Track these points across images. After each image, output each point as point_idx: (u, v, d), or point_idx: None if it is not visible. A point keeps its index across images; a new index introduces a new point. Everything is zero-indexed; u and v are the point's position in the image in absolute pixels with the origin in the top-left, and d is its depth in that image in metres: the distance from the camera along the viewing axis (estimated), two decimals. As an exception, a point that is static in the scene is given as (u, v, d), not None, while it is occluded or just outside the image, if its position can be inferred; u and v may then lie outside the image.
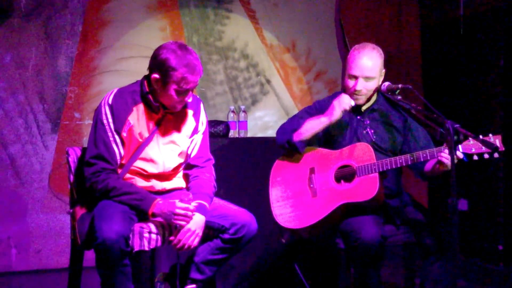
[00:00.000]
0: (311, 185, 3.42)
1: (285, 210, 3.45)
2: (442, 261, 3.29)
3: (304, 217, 3.37)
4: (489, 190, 4.98)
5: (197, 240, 3.06)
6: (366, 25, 5.58)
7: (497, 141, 3.10)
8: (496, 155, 3.08)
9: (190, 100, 3.17)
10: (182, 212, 3.00)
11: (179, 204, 3.01)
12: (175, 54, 3.04)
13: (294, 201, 3.45)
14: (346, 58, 3.48)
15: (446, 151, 3.11)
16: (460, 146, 3.14)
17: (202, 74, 3.13)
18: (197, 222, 3.06)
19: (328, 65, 5.60)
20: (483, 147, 3.08)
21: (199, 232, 3.06)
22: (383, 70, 3.47)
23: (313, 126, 3.42)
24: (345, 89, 3.49)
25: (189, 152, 3.33)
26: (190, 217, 3.02)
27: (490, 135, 3.12)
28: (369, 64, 3.37)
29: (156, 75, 3.09)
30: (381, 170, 3.28)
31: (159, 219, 3.09)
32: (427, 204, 5.50)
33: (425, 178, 3.51)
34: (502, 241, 4.87)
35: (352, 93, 3.43)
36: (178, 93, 3.09)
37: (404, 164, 3.27)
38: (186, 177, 3.36)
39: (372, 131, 3.49)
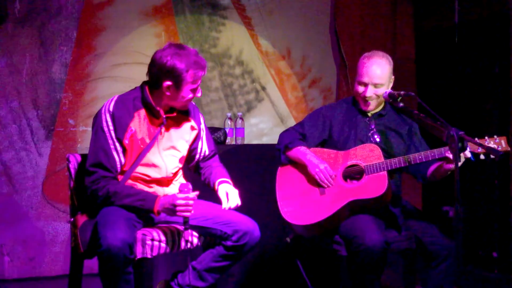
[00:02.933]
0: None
1: (293, 208, 3.47)
2: (443, 266, 3.31)
3: (312, 214, 3.40)
4: (484, 197, 5.00)
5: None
6: (361, 33, 5.59)
7: (502, 141, 3.22)
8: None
9: (200, 94, 3.22)
10: (182, 202, 2.98)
11: (178, 195, 2.99)
12: (179, 57, 3.07)
13: (302, 198, 3.48)
14: (357, 65, 3.57)
15: None
16: (468, 146, 3.20)
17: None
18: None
19: (323, 73, 5.61)
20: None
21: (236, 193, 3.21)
22: (392, 77, 3.57)
23: (299, 157, 3.53)
24: (354, 94, 3.61)
25: (200, 156, 3.43)
26: (191, 206, 3.00)
27: (495, 136, 3.24)
28: (378, 72, 3.47)
29: (168, 83, 3.09)
30: (389, 168, 3.35)
31: (163, 215, 3.08)
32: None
33: (426, 181, 3.56)
34: (497, 248, 4.89)
35: (362, 99, 3.53)
36: (193, 91, 3.14)
37: (412, 163, 3.34)
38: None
39: (377, 135, 3.54)
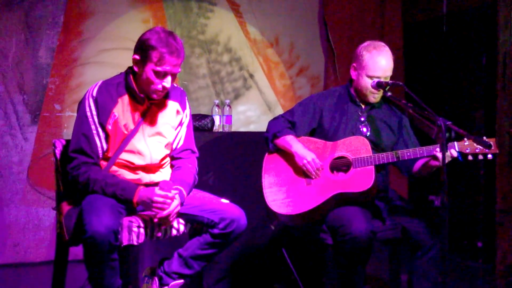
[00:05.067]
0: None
1: (278, 196, 3.47)
2: (428, 256, 3.33)
3: (297, 204, 3.40)
4: (469, 187, 5.02)
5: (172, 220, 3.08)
6: (350, 21, 5.59)
7: (491, 143, 3.15)
8: (490, 156, 3.16)
9: (168, 85, 3.11)
10: (160, 199, 2.97)
11: (158, 191, 2.98)
12: (157, 36, 3.04)
13: (288, 188, 3.47)
14: (362, 57, 3.45)
15: None
16: (456, 145, 3.19)
17: (183, 60, 3.10)
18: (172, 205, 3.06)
19: (311, 61, 5.61)
20: (477, 148, 3.17)
21: (173, 217, 3.07)
22: None
23: (286, 146, 3.51)
24: (361, 88, 3.50)
25: (174, 146, 3.32)
26: (169, 205, 2.99)
27: (484, 137, 3.18)
28: (390, 64, 3.46)
29: (136, 56, 3.08)
30: (377, 163, 3.33)
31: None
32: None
33: (412, 176, 3.56)
34: (481, 238, 4.92)
35: (371, 93, 3.47)
36: (156, 75, 3.05)
37: (400, 159, 3.33)
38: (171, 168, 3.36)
39: (367, 127, 3.52)
